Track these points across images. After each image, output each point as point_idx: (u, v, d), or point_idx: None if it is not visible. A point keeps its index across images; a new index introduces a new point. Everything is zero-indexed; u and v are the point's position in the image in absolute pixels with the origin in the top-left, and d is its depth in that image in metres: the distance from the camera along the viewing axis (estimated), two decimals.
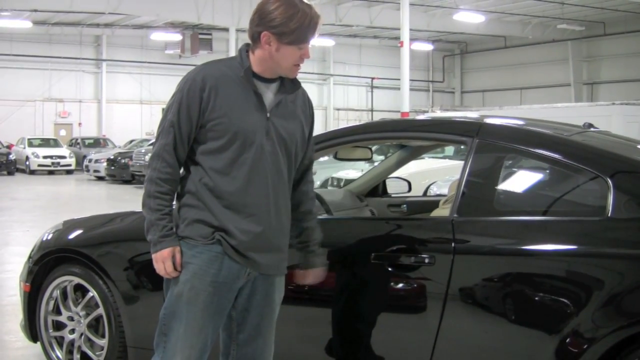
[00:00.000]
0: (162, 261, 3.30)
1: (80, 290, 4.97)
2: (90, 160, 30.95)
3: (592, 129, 4.51)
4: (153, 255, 3.32)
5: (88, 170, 30.91)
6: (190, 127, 3.27)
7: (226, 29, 36.53)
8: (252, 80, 3.30)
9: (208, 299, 3.30)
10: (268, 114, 3.31)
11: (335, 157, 5.38)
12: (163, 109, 3.43)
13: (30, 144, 34.69)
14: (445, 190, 7.56)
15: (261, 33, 3.26)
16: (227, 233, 3.27)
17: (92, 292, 4.84)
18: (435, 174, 13.45)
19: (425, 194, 11.91)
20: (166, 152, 3.28)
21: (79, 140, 37.48)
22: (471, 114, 20.76)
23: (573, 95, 40.76)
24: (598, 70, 41.76)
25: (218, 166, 3.27)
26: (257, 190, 3.28)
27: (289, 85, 3.40)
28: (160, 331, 3.43)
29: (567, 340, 3.34)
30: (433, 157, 15.24)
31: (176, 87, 3.35)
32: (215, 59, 3.45)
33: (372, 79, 46.40)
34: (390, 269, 3.80)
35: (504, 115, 14.82)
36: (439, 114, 31.14)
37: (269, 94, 3.35)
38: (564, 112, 26.20)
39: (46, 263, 5.08)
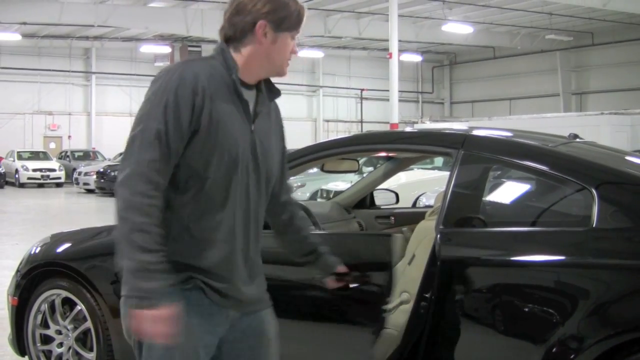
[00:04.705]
0: (166, 321, 2.53)
1: (68, 303, 4.97)
2: (79, 173, 30.88)
3: (577, 140, 4.54)
4: (147, 313, 2.51)
5: (78, 183, 30.82)
6: (181, 139, 2.62)
7: (215, 41, 36.39)
8: (239, 86, 2.77)
9: None
10: (252, 127, 2.79)
11: (322, 170, 5.41)
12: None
13: (20, 157, 34.59)
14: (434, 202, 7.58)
15: (256, 24, 2.76)
16: (204, 272, 2.73)
17: (80, 306, 4.84)
18: (424, 185, 13.49)
19: (414, 205, 11.95)
20: (153, 170, 2.57)
21: (68, 153, 37.40)
22: (459, 125, 20.84)
23: (562, 105, 40.86)
24: (587, 80, 41.88)
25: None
26: (240, 215, 2.78)
27: (268, 94, 2.91)
28: None
29: (553, 350, 3.36)
30: (422, 168, 15.28)
31: (153, 87, 2.69)
32: (192, 58, 2.90)
33: (362, 90, 46.45)
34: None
35: (491, 126, 14.86)
36: (428, 125, 31.26)
37: (250, 104, 2.82)
38: (553, 122, 26.39)
39: (34, 277, 5.08)
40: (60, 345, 5.03)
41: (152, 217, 2.55)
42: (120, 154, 29.75)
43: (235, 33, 2.81)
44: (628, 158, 4.39)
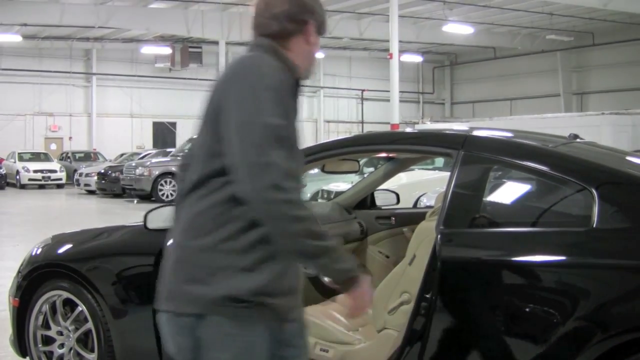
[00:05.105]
0: (369, 291, 2.67)
1: (69, 304, 4.98)
2: (80, 174, 30.87)
3: (577, 140, 4.54)
4: (361, 289, 2.64)
5: (79, 184, 30.81)
6: (293, 132, 2.60)
7: (216, 42, 36.59)
8: (299, 85, 2.82)
9: None
10: None
11: (323, 170, 5.41)
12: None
13: (21, 158, 34.58)
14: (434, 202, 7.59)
15: (307, 23, 2.77)
16: None
17: (81, 307, 4.85)
18: (425, 186, 13.49)
19: (415, 205, 11.96)
20: (290, 165, 2.50)
21: (69, 154, 37.39)
22: (459, 126, 20.83)
23: (563, 105, 40.84)
24: (587, 80, 41.87)
25: None
26: None
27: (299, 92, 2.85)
28: None
29: (554, 350, 3.36)
30: (423, 169, 15.29)
31: (243, 83, 2.54)
32: (259, 54, 2.70)
33: (362, 90, 46.46)
34: None
35: (491, 126, 14.86)
36: (428, 125, 31.26)
37: None
38: (554, 122, 26.35)
39: (35, 278, 5.09)
40: (62, 346, 5.04)
41: (309, 208, 2.55)
42: (122, 154, 29.54)
43: (283, 30, 2.74)
44: (629, 158, 4.39)
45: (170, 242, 2.70)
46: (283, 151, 2.47)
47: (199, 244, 2.54)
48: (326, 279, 2.80)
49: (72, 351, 4.97)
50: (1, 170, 32.89)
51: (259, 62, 2.60)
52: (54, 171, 33.86)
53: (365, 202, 6.03)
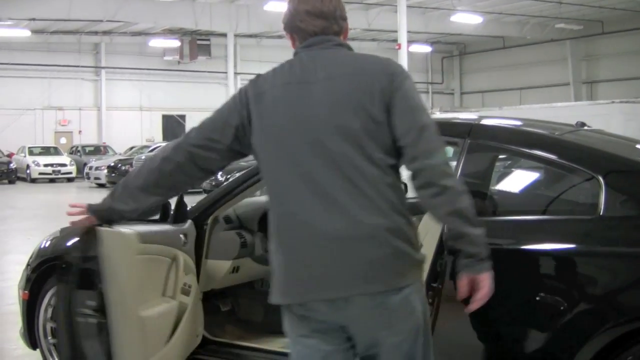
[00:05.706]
0: None
1: None
2: (90, 168, 30.98)
3: (584, 128, 4.52)
4: (488, 274, 2.91)
5: (89, 178, 30.93)
6: None
7: (224, 35, 36.60)
8: None
9: None
10: None
11: None
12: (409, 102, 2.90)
13: (31, 153, 34.72)
14: None
15: (346, 22, 3.03)
16: None
17: None
18: None
19: None
20: None
21: (79, 148, 37.49)
22: (466, 115, 20.76)
23: (572, 94, 40.72)
24: (597, 69, 41.74)
25: None
26: None
27: None
28: None
29: (561, 338, 3.36)
30: None
31: (409, 80, 2.95)
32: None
33: None
34: None
35: (499, 115, 14.78)
36: (438, 115, 31.17)
37: None
38: (563, 111, 26.21)
39: (44, 270, 5.09)
40: None
41: None
42: (131, 147, 29.35)
43: (337, 32, 2.96)
44: (638, 146, 4.36)
45: (344, 222, 2.80)
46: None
47: (407, 218, 2.97)
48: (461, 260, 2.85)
49: None
50: (11, 165, 33.00)
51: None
52: (64, 165, 33.98)
53: None
